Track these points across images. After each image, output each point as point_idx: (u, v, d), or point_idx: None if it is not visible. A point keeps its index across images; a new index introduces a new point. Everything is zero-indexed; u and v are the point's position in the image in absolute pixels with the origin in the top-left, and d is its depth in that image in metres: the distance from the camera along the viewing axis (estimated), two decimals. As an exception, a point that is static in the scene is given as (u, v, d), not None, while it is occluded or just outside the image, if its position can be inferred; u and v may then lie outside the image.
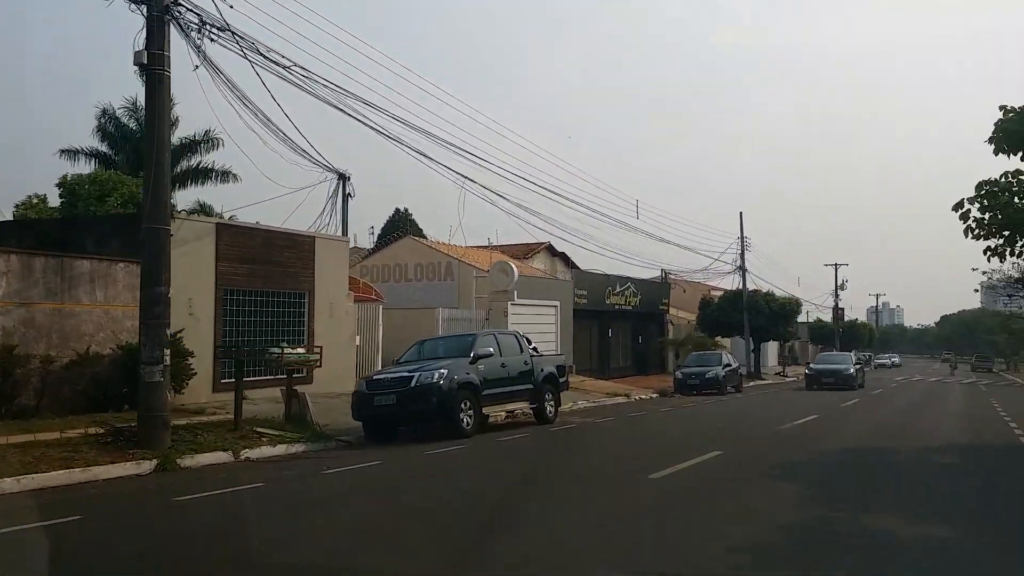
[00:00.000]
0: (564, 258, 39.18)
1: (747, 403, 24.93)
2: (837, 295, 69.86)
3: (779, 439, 14.18)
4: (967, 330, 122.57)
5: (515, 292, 24.76)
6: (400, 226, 40.50)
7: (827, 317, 71.64)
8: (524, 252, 36.60)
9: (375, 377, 14.67)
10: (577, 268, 37.99)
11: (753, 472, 10.28)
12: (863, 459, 11.97)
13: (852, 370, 32.93)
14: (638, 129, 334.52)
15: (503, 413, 15.82)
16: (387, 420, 13.55)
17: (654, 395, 27.53)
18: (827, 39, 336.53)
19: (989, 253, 13.67)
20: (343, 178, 21.59)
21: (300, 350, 14.67)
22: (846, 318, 77.27)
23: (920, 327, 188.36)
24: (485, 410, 14.45)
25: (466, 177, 19.27)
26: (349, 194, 21.71)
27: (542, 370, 16.32)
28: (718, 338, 46.99)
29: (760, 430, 15.78)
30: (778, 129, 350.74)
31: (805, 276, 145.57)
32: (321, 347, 14.91)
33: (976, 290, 50.04)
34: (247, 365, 13.90)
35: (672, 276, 41.88)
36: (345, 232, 22.07)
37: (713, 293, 45.05)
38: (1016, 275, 46.70)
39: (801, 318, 75.46)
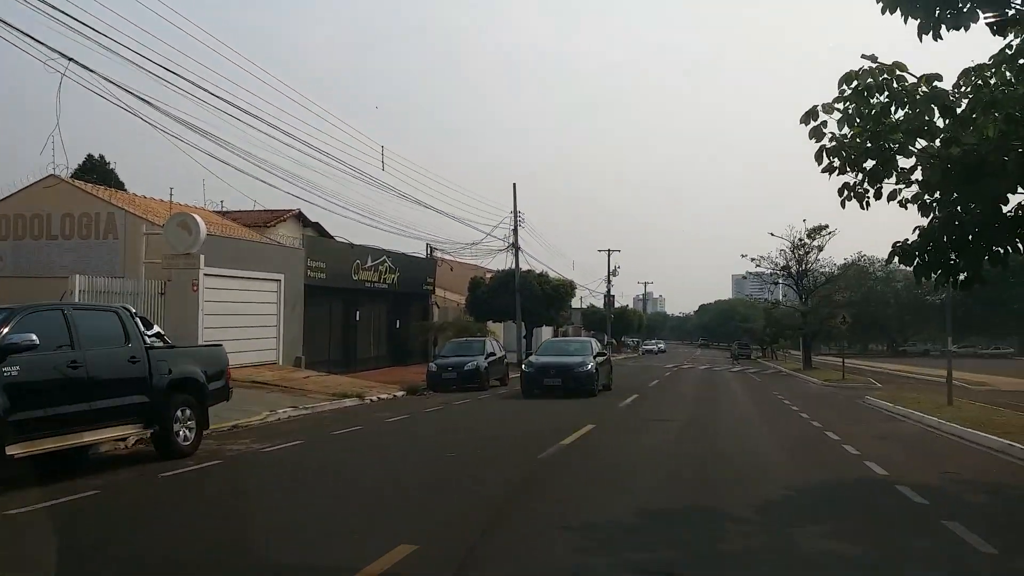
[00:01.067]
0: (319, 229, 32.33)
1: (489, 411, 19.77)
2: (609, 280, 68.72)
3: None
4: (724, 318, 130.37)
5: (202, 257, 17.82)
6: (94, 178, 31.37)
7: (600, 303, 70.38)
8: (266, 219, 29.35)
9: None
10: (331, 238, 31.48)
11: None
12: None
13: (590, 365, 21.26)
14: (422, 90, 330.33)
15: (83, 443, 9.12)
16: None
17: (400, 393, 21.70)
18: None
19: (847, 193, 9.12)
20: None
21: None
22: (616, 305, 76.91)
23: (681, 315, 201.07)
24: (14, 449, 7.74)
25: (70, 59, 12.11)
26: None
27: (169, 371, 9.83)
28: (489, 323, 42.50)
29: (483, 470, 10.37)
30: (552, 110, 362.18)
31: (579, 262, 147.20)
32: None
33: (747, 275, 48.42)
34: None
35: (440, 252, 36.48)
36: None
37: (488, 275, 40.43)
38: (782, 262, 46.85)
39: (575, 303, 74.13)
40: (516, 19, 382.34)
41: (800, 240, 45.85)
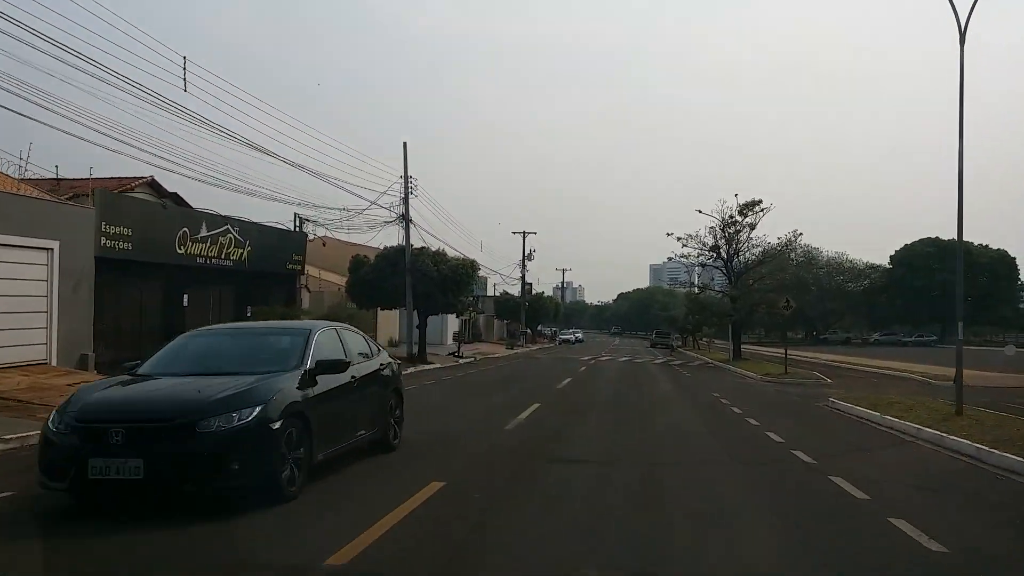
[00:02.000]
0: (177, 200, 25.41)
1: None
2: (524, 265, 63.36)
3: None
4: (643, 307, 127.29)
5: None
6: None
7: (517, 290, 64.89)
8: (112, 188, 22.39)
9: None
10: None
11: None
12: None
13: (252, 416, 6.52)
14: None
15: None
16: None
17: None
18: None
19: None
20: None
21: None
22: (534, 292, 71.66)
23: (600, 303, 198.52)
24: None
25: None
26: None
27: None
28: (381, 311, 36.32)
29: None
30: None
31: (493, 248, 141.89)
32: None
33: (672, 258, 43.70)
34: None
35: (313, 223, 29.93)
36: None
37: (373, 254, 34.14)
38: (711, 241, 42.21)
39: (490, 291, 68.47)
40: None
41: (731, 217, 41.38)
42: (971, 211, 14.24)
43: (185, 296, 22.64)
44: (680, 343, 78.21)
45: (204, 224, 23.24)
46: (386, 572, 5.25)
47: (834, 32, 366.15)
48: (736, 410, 16.49)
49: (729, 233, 41.47)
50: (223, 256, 24.11)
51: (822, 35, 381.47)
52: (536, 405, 16.22)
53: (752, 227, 41.29)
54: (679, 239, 41.79)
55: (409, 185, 31.14)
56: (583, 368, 33.51)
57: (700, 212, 42.03)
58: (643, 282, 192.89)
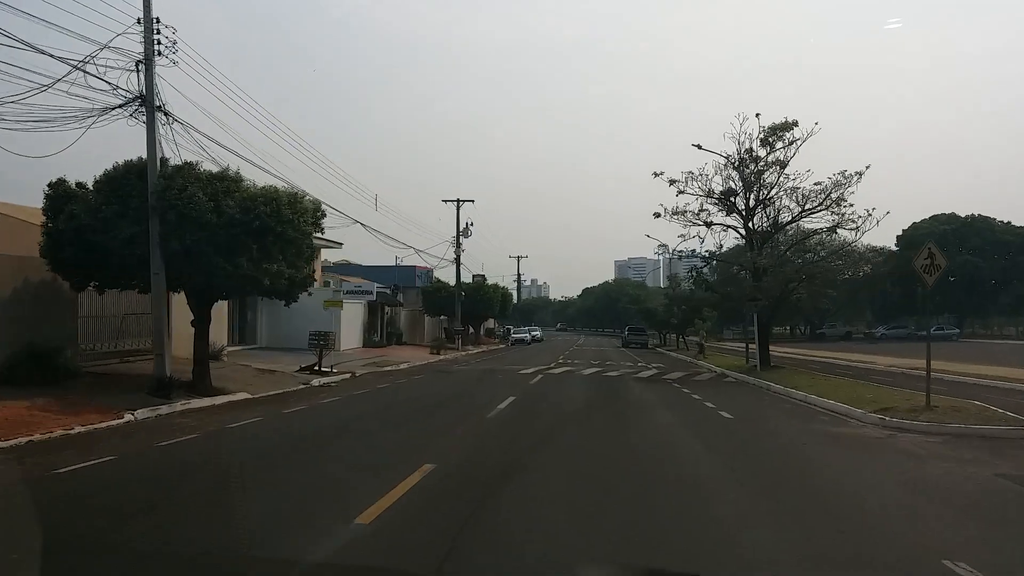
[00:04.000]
0: None
1: None
2: (459, 242, 48.41)
3: None
4: (610, 300, 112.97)
5: None
6: None
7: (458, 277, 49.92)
8: None
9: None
10: None
11: None
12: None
13: None
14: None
15: None
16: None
17: None
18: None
19: None
20: None
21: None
22: (483, 284, 56.76)
23: (563, 299, 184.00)
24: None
25: None
26: None
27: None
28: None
29: None
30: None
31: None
32: None
33: (663, 213, 28.07)
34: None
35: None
36: None
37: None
38: (720, 184, 27.65)
39: (410, 278, 53.39)
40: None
41: (749, 151, 26.93)
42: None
43: None
44: (658, 342, 63.87)
45: None
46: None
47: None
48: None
49: (748, 174, 26.97)
50: None
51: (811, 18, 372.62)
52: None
53: (782, 165, 26.84)
54: (673, 183, 27.12)
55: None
56: (530, 382, 18.95)
57: (700, 148, 27.56)
58: (609, 277, 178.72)
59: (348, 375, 23.88)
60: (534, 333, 74.10)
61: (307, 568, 5.00)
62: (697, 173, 26.80)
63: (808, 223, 27.30)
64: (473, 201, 49.12)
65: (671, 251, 27.49)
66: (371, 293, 36.47)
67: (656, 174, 27.05)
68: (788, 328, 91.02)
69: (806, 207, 26.34)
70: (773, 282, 25.46)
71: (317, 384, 20.73)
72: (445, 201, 49.07)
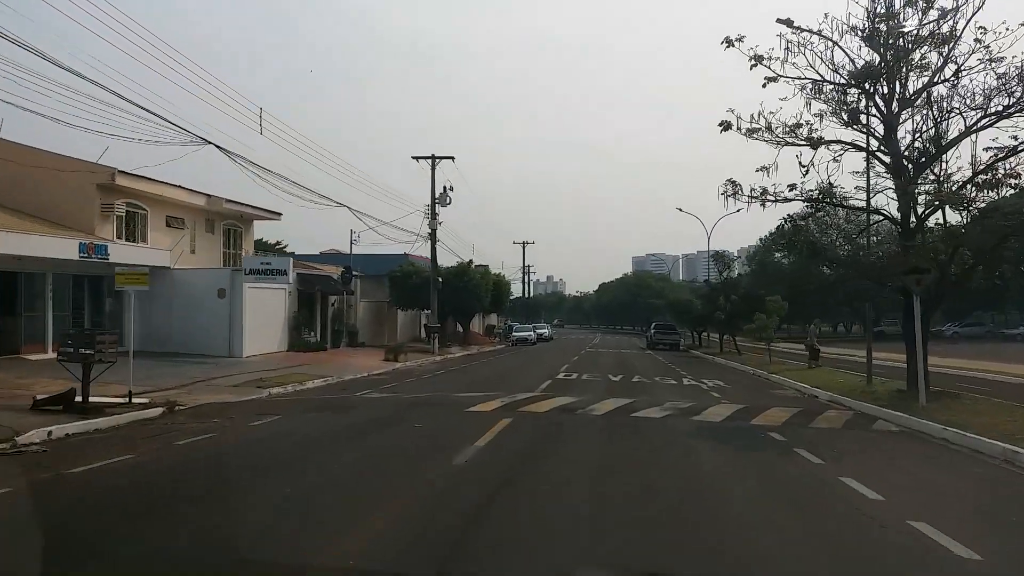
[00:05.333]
0: None
1: None
2: (434, 210, 36.71)
3: None
4: (631, 296, 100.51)
5: None
6: None
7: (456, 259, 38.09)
8: None
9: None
10: None
11: None
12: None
13: None
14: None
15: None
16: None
17: None
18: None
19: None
20: None
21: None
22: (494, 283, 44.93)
23: (578, 294, 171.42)
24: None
25: None
26: None
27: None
28: None
29: None
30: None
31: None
32: None
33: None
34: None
35: None
36: None
37: None
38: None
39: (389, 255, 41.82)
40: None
41: (888, 12, 15.03)
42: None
43: None
44: (691, 341, 51.81)
45: None
46: None
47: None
48: None
49: (888, 52, 15.06)
50: None
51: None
52: None
53: (947, 41, 14.71)
54: (759, 61, 15.13)
55: None
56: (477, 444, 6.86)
57: (784, 23, 15.59)
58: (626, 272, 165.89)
59: (160, 409, 12.38)
60: (541, 331, 62.06)
61: None
62: (806, 38, 14.76)
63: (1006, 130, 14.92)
64: (453, 158, 37.10)
65: (748, 193, 15.07)
66: (284, 273, 24.66)
67: (730, 42, 15.04)
68: (834, 326, 78.41)
69: (1008, 104, 14.15)
70: (982, 234, 13.42)
71: (37, 443, 9.19)
72: (416, 158, 37.12)
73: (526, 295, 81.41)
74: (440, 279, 37.29)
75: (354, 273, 35.78)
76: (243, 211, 31.04)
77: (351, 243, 36.94)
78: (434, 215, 36.88)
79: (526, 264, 76.58)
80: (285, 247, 58.32)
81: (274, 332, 28.11)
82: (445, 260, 40.84)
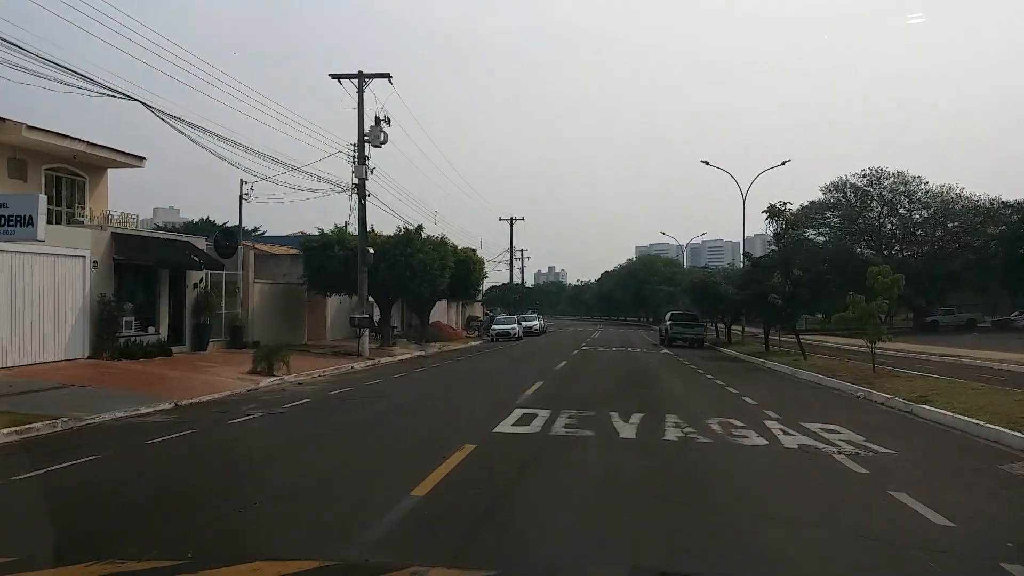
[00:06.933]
0: None
1: None
2: (362, 150, 25.25)
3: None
4: (636, 283, 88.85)
5: None
6: None
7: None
8: None
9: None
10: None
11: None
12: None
13: None
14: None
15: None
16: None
17: None
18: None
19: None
20: None
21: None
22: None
23: (579, 283, 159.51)
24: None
25: None
26: None
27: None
28: None
29: None
30: None
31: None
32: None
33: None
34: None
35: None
36: None
37: None
38: None
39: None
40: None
41: None
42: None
43: None
44: (718, 335, 40.38)
45: None
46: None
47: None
48: None
49: None
50: None
51: None
52: None
53: None
54: None
55: None
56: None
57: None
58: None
59: None
60: (529, 323, 50.81)
61: None
62: None
63: None
64: (389, 77, 25.73)
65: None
66: (29, 225, 13.24)
67: None
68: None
69: None
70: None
71: None
72: (334, 76, 25.59)
73: (514, 280, 69.79)
74: (371, 250, 25.91)
75: (240, 242, 24.47)
76: (74, 149, 19.99)
77: (240, 199, 25.58)
78: (363, 158, 25.50)
79: (513, 244, 64.99)
80: (263, 233, 47.23)
81: (55, 329, 16.84)
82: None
